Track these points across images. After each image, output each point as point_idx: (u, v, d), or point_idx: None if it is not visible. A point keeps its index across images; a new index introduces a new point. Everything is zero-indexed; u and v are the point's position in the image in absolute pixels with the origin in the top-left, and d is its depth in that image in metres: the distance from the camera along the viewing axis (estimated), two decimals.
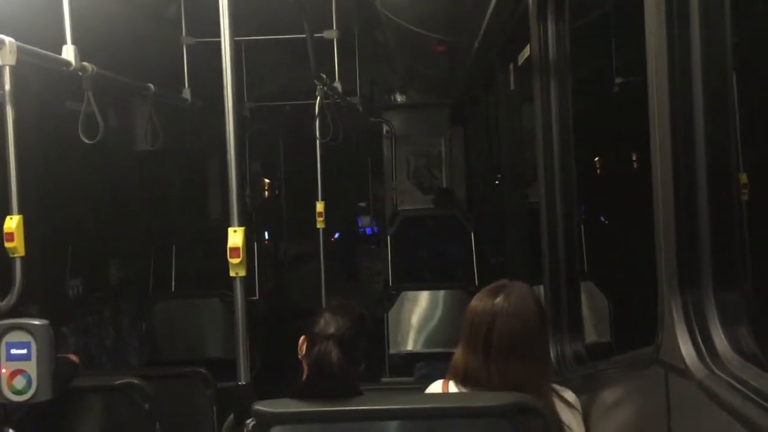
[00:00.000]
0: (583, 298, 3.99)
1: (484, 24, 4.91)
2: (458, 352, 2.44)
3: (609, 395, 2.56)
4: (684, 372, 1.77)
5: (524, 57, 5.11)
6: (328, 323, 2.37)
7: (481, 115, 9.08)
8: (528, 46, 4.17)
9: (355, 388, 2.34)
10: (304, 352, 2.43)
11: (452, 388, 2.43)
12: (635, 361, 2.27)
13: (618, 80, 6.14)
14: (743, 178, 4.32)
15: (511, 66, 5.72)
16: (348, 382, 2.32)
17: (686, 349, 1.78)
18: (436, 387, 2.50)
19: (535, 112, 3.81)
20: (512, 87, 5.81)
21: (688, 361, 1.76)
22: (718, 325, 1.75)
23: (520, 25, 4.30)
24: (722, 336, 1.74)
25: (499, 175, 7.56)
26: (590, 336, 4.80)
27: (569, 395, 2.50)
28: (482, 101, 8.61)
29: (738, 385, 1.59)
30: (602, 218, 9.25)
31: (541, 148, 3.73)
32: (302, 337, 2.46)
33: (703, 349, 1.74)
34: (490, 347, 2.36)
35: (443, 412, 2.27)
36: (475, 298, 2.48)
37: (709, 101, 1.87)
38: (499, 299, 2.40)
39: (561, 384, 2.58)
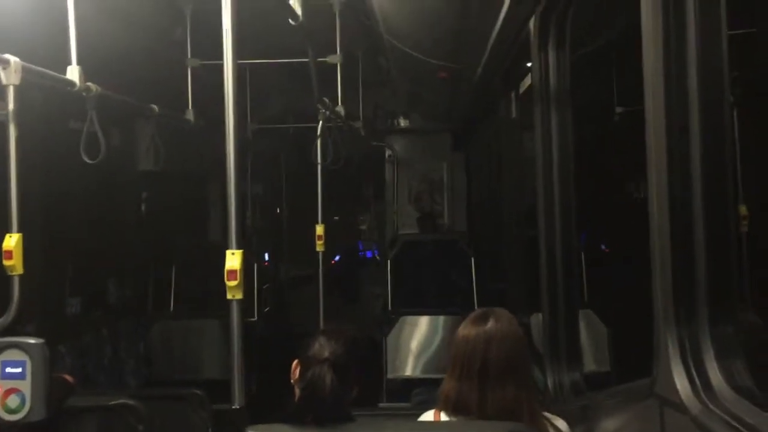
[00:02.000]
0: (582, 326, 3.98)
1: (487, 52, 4.95)
2: (448, 382, 2.42)
3: (605, 427, 2.55)
4: (679, 406, 1.76)
5: (526, 85, 5.14)
6: (323, 347, 2.36)
7: (482, 141, 9.11)
8: (529, 74, 4.20)
9: (348, 414, 2.32)
10: (297, 376, 2.42)
11: (444, 418, 2.41)
12: (631, 394, 2.26)
13: (619, 109, 6.17)
14: (743, 210, 4.33)
15: (513, 94, 5.75)
16: (340, 407, 2.30)
17: (681, 383, 1.77)
18: (427, 417, 2.48)
19: (535, 140, 3.83)
20: (514, 115, 5.83)
21: (682, 395, 1.76)
22: (714, 359, 1.75)
23: (522, 54, 4.33)
24: (717, 371, 1.73)
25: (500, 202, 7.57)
26: (589, 365, 4.78)
27: (561, 424, 2.48)
28: (484, 128, 8.64)
29: (732, 421, 1.58)
30: (603, 247, 9.23)
31: (541, 176, 3.75)
32: (295, 362, 2.44)
33: (698, 384, 1.73)
34: (488, 372, 2.35)
35: None
36: (462, 327, 2.46)
37: (707, 134, 1.88)
38: (490, 324, 2.39)
39: (553, 413, 2.57)
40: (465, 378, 2.37)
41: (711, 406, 1.66)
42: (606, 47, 5.60)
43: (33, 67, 3.27)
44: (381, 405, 6.27)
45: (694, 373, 1.75)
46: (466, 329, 2.43)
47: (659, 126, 1.95)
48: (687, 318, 1.81)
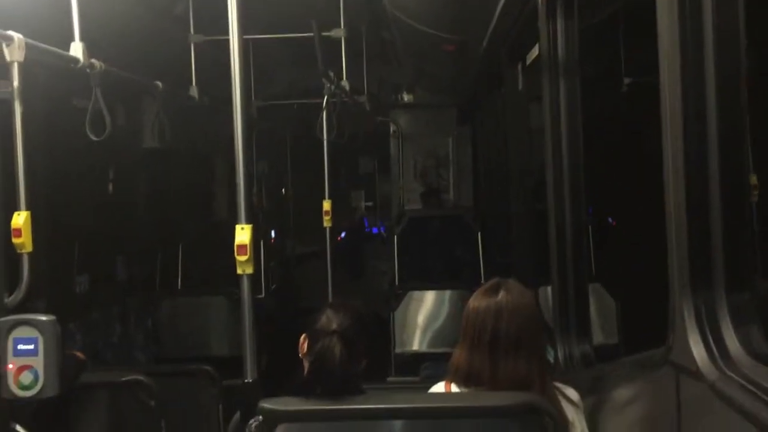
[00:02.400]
0: (591, 300, 3.97)
1: (493, 23, 4.90)
2: (459, 353, 2.42)
3: (618, 396, 2.55)
4: (695, 374, 1.76)
5: (533, 57, 5.09)
6: (331, 320, 2.37)
7: (488, 115, 9.06)
8: (537, 45, 4.16)
9: (357, 386, 2.33)
10: (305, 350, 2.43)
11: (454, 389, 2.41)
12: (645, 363, 2.26)
13: (627, 80, 6.11)
14: (753, 179, 4.29)
15: (520, 66, 5.70)
16: (350, 379, 2.30)
17: (698, 350, 1.76)
18: (438, 389, 2.48)
19: (543, 112, 3.80)
20: (520, 87, 5.79)
21: (699, 362, 1.75)
22: (730, 326, 1.74)
23: (529, 25, 4.29)
24: (734, 337, 1.72)
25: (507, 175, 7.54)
26: (598, 338, 4.78)
27: (572, 393, 2.48)
28: (490, 101, 8.59)
29: (750, 387, 1.57)
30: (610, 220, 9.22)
31: (549, 149, 3.72)
32: (303, 335, 2.45)
33: (715, 351, 1.73)
34: (498, 344, 2.35)
35: (450, 411, 2.25)
36: (473, 298, 2.46)
37: (722, 102, 1.86)
38: (501, 295, 2.39)
39: (564, 382, 2.57)
40: (475, 349, 2.37)
41: (728, 373, 1.65)
42: (614, 16, 5.54)
43: (36, 43, 3.25)
44: (389, 379, 6.31)
45: (711, 340, 1.74)
46: (476, 300, 2.43)
47: (675, 96, 1.93)
48: (703, 285, 1.80)
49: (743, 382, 1.60)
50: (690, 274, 1.83)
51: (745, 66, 1.92)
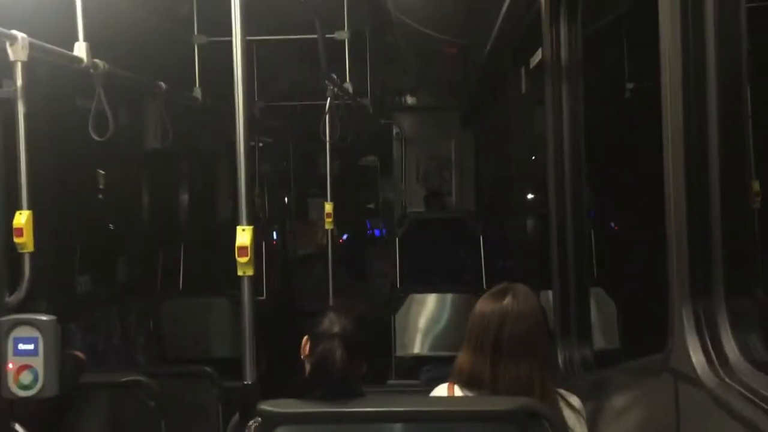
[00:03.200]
0: (592, 304, 3.97)
1: (496, 27, 4.90)
2: (463, 356, 2.43)
3: (617, 402, 2.54)
4: (694, 380, 1.75)
5: (536, 60, 5.09)
6: (333, 323, 2.37)
7: (491, 118, 9.05)
8: (540, 49, 4.15)
9: (357, 389, 2.33)
10: (307, 352, 2.43)
11: (457, 391, 2.42)
12: (645, 369, 2.25)
13: (630, 85, 6.11)
14: (755, 186, 4.28)
15: (523, 69, 5.70)
16: (349, 382, 2.30)
17: (697, 357, 1.76)
18: (441, 390, 2.49)
19: (546, 116, 3.80)
20: (524, 90, 5.78)
21: (698, 369, 1.74)
22: (729, 333, 1.73)
23: (533, 28, 4.28)
24: (733, 344, 1.72)
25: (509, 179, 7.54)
26: (598, 343, 4.77)
27: (575, 400, 2.48)
28: (493, 105, 8.58)
29: (749, 395, 1.57)
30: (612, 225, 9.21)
31: (551, 153, 3.72)
32: (305, 337, 2.45)
33: (714, 358, 1.72)
34: (501, 348, 2.35)
35: (450, 415, 2.25)
36: (480, 302, 2.47)
37: (723, 108, 1.86)
38: (507, 300, 2.40)
39: (567, 389, 2.56)
40: (479, 353, 2.38)
41: (727, 380, 1.65)
42: (617, 21, 5.53)
43: (40, 43, 3.25)
44: (390, 382, 6.30)
45: (710, 347, 1.74)
46: (483, 304, 2.44)
47: (676, 101, 1.92)
48: (703, 291, 1.80)
49: (742, 389, 1.60)
50: (690, 281, 1.82)
51: (747, 71, 1.91)
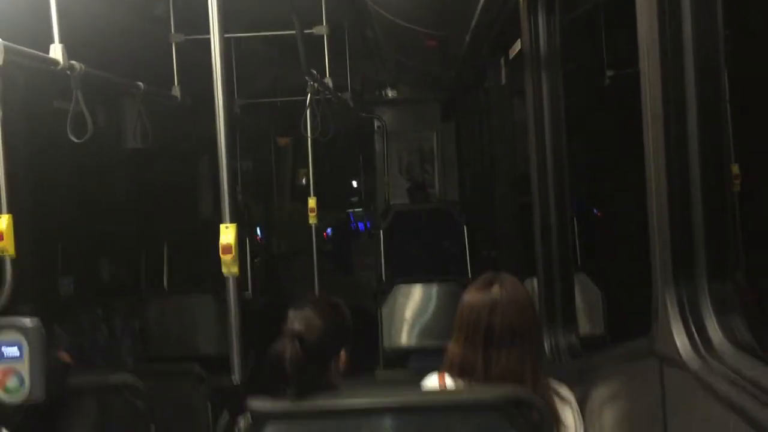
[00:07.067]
0: (577, 290, 3.99)
1: (475, 18, 4.90)
2: (454, 345, 2.44)
3: (604, 387, 2.57)
4: (679, 363, 1.77)
5: (515, 51, 5.11)
6: (291, 320, 2.38)
7: (472, 109, 9.06)
8: (519, 40, 4.17)
9: (320, 384, 2.30)
10: None
11: (448, 380, 2.42)
12: (630, 353, 2.27)
13: (609, 73, 6.14)
14: (735, 169, 4.32)
15: (502, 60, 5.71)
16: (307, 379, 2.27)
17: (681, 340, 1.78)
18: (431, 380, 2.49)
19: (526, 106, 3.81)
20: (503, 81, 5.80)
21: (682, 352, 1.76)
22: (713, 316, 1.75)
23: (511, 19, 4.29)
24: (717, 327, 1.74)
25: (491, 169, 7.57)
26: (584, 328, 4.81)
27: (565, 391, 2.50)
28: (473, 95, 8.60)
29: (733, 376, 1.59)
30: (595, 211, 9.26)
31: (533, 142, 3.73)
32: None
33: (698, 341, 1.74)
34: (492, 338, 2.36)
35: (438, 406, 2.26)
36: (467, 292, 2.48)
37: (702, 93, 1.87)
38: (495, 289, 2.40)
39: (555, 378, 2.58)
40: (470, 344, 2.39)
41: (711, 362, 1.67)
42: (595, 9, 5.56)
43: (15, 46, 3.22)
44: (378, 373, 6.32)
45: (694, 330, 1.75)
46: (470, 295, 2.44)
47: (655, 87, 1.94)
48: (685, 275, 1.81)
49: (726, 371, 1.62)
50: (672, 265, 1.84)
51: (725, 56, 1.93)
